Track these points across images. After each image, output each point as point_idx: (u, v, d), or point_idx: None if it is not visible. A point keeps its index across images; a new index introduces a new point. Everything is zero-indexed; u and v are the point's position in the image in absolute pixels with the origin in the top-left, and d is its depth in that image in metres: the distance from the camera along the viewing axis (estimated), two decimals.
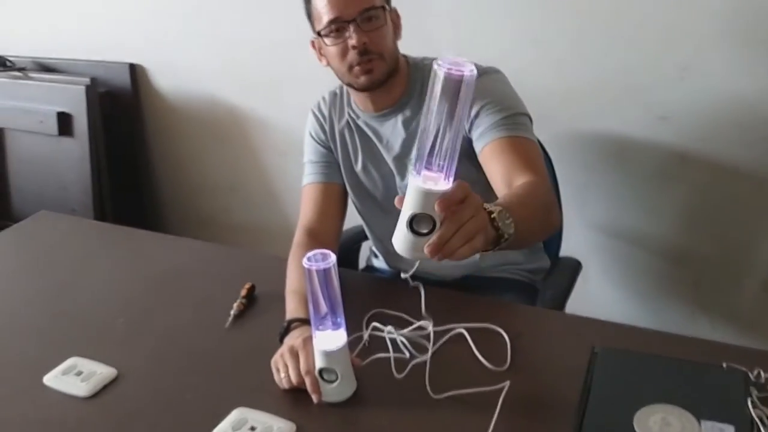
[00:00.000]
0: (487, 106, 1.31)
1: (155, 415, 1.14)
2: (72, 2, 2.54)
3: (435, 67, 0.79)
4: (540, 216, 1.16)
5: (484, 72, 1.34)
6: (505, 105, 1.31)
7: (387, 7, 1.35)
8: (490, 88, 1.33)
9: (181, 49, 2.41)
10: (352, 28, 1.29)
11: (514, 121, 1.30)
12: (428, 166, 0.86)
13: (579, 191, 1.91)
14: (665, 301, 1.96)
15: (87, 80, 2.41)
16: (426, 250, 0.87)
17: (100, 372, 1.23)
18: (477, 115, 1.31)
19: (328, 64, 1.38)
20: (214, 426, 1.07)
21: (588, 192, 1.91)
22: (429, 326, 1.23)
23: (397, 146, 1.43)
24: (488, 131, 1.30)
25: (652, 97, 1.73)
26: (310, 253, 1.04)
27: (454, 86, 0.80)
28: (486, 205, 0.96)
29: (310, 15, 1.37)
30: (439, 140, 0.83)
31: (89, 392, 1.19)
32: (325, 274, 1.04)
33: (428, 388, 1.10)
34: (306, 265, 1.03)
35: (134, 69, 2.52)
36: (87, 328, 1.39)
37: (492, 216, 0.96)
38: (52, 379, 1.23)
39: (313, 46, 1.41)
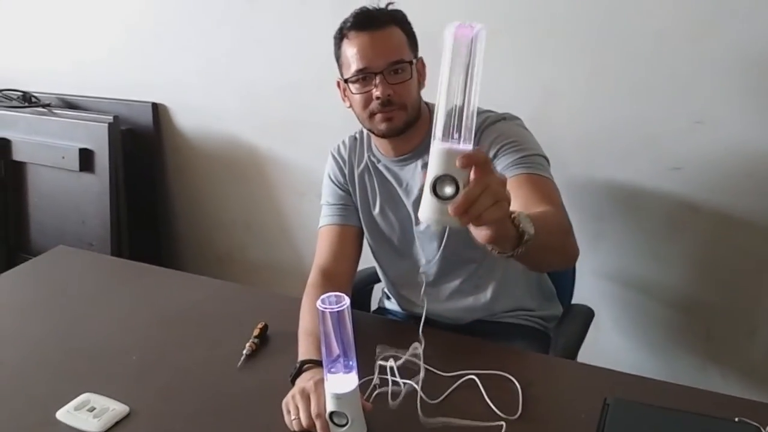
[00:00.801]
0: (506, 146, 1.32)
1: None
2: (97, 42, 2.60)
3: (445, 31, 0.81)
4: (558, 236, 1.13)
5: (503, 117, 1.38)
6: (524, 146, 1.32)
7: (414, 60, 1.37)
8: (509, 132, 1.35)
9: (203, 89, 2.45)
10: (378, 79, 1.32)
11: (533, 161, 1.31)
12: (447, 133, 0.85)
13: (591, 239, 1.91)
14: (676, 352, 1.94)
15: (110, 118, 2.45)
16: (451, 210, 0.82)
17: (113, 408, 1.23)
18: (495, 156, 1.32)
19: (351, 106, 1.41)
20: None
21: (600, 240, 1.91)
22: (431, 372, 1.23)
23: (416, 190, 1.45)
24: (507, 169, 1.31)
25: (664, 147, 1.74)
26: (324, 296, 1.05)
27: (465, 44, 0.82)
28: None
29: (338, 59, 1.40)
30: (456, 105, 0.83)
31: (101, 428, 1.19)
32: (338, 316, 1.04)
33: None
34: (320, 308, 1.04)
35: (156, 108, 2.56)
36: (101, 364, 1.40)
37: (513, 216, 0.93)
38: (64, 414, 1.23)
39: (339, 86, 1.44)
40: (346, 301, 1.05)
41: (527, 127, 1.42)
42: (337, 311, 1.04)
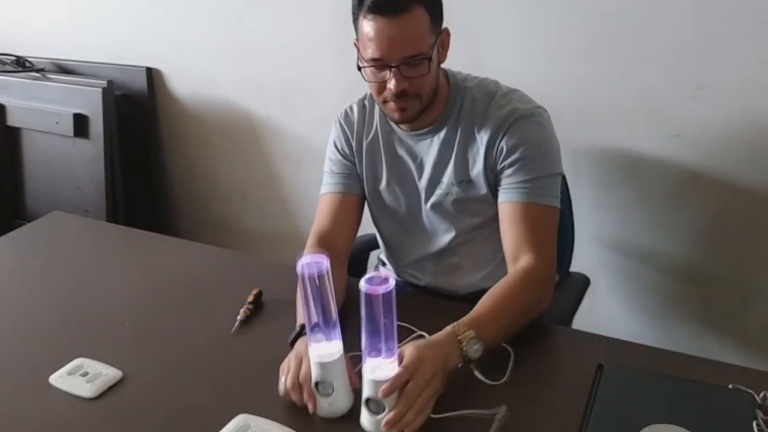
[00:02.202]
0: (522, 161, 1.31)
1: (158, 418, 1.14)
2: (91, 6, 2.57)
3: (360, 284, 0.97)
4: (518, 323, 1.23)
5: (531, 114, 1.34)
6: (538, 164, 1.32)
7: (434, 53, 1.27)
8: (531, 140, 1.32)
9: (198, 54, 2.43)
10: (393, 72, 1.25)
11: (540, 186, 1.32)
12: (373, 355, 1.02)
13: (591, 207, 1.90)
14: (674, 321, 1.95)
15: (104, 83, 2.43)
16: (382, 426, 1.02)
17: (106, 373, 1.24)
18: (511, 164, 1.32)
19: (365, 79, 1.34)
20: (217, 431, 1.07)
21: (600, 208, 1.91)
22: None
23: (429, 167, 1.42)
24: (513, 189, 1.33)
25: (664, 114, 1.73)
26: (304, 258, 1.03)
27: (375, 301, 0.98)
28: (458, 330, 1.12)
29: (355, 24, 1.29)
30: (377, 337, 1.01)
31: (94, 393, 1.20)
32: (319, 280, 1.02)
33: None
34: (298, 271, 1.02)
35: (151, 73, 2.54)
36: (94, 330, 1.40)
37: (461, 346, 1.11)
38: (57, 379, 1.24)
39: (356, 46, 1.34)
40: (326, 263, 1.03)
41: (531, 93, 1.40)
42: (317, 275, 1.02)
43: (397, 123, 1.38)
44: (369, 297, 0.98)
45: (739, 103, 1.64)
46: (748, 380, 1.10)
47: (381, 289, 0.98)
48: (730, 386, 1.10)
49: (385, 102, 1.33)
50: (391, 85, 1.26)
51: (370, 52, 1.25)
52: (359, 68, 1.31)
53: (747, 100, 1.63)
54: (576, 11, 1.73)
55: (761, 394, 1.07)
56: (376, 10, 1.21)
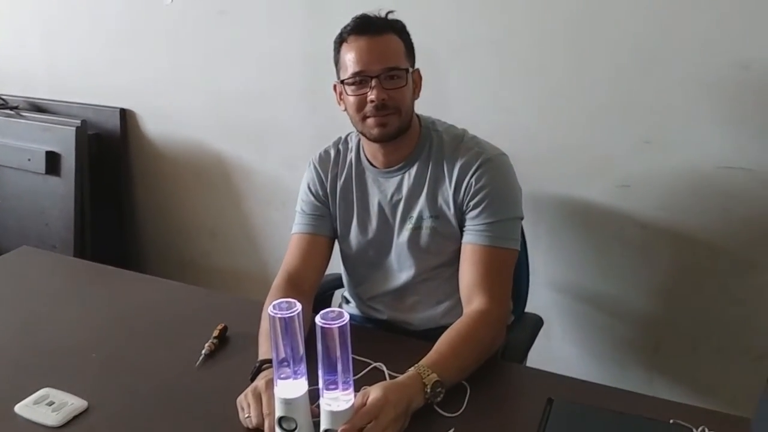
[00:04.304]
0: (487, 205, 1.41)
1: None
2: (68, 47, 2.62)
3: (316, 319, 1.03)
4: (475, 362, 1.30)
5: (493, 158, 1.44)
6: (500, 206, 1.42)
7: (410, 69, 1.42)
8: (496, 184, 1.42)
9: (171, 96, 2.48)
10: (374, 83, 1.36)
11: (502, 228, 1.41)
12: (331, 388, 1.07)
13: (545, 252, 1.98)
14: (625, 363, 2.01)
15: (78, 122, 2.47)
16: None
17: (72, 403, 1.26)
18: (476, 205, 1.41)
19: (345, 109, 1.45)
20: None
21: (554, 253, 1.98)
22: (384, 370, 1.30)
23: (401, 202, 1.49)
24: (476, 231, 1.42)
25: (614, 166, 1.82)
26: (275, 301, 1.08)
27: (330, 334, 1.03)
28: (422, 372, 1.19)
29: (337, 62, 1.44)
30: (333, 370, 1.06)
31: (59, 422, 1.21)
32: (288, 322, 1.06)
33: None
34: (271, 313, 1.06)
35: (124, 113, 2.59)
36: (61, 361, 1.42)
37: (426, 389, 1.18)
38: (23, 408, 1.25)
39: (335, 89, 1.47)
40: (298, 307, 1.07)
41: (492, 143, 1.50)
42: (287, 317, 1.06)
43: (376, 140, 1.44)
44: (324, 331, 1.03)
45: (682, 157, 1.74)
46: (689, 416, 1.16)
47: (335, 324, 1.03)
48: (671, 421, 1.16)
49: (364, 119, 1.41)
50: (373, 95, 1.36)
51: (352, 69, 1.38)
52: (339, 94, 1.46)
53: (690, 153, 1.73)
54: (532, 66, 1.84)
55: (700, 429, 1.13)
56: (358, 31, 1.38)
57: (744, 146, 1.68)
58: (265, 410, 1.15)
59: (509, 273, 1.44)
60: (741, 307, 1.81)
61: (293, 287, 1.45)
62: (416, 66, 1.46)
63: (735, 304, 1.82)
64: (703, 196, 1.75)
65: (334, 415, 1.08)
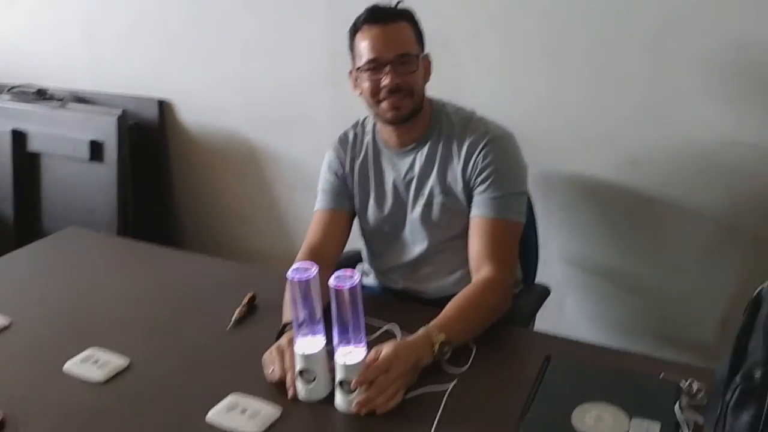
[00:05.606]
0: (493, 180, 1.50)
1: (161, 397, 1.29)
2: (109, 41, 2.76)
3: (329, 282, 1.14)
4: (481, 325, 1.40)
5: (499, 137, 1.53)
6: (505, 182, 1.51)
7: (421, 54, 1.53)
8: (502, 160, 1.51)
9: (206, 88, 2.60)
10: (387, 68, 1.47)
11: (507, 203, 1.51)
12: (344, 343, 1.18)
13: (557, 227, 2.05)
14: (634, 333, 2.07)
15: (119, 112, 2.59)
16: (354, 407, 1.18)
17: (114, 361, 1.38)
18: (482, 181, 1.51)
19: (361, 94, 1.55)
20: (211, 408, 1.22)
21: (565, 228, 2.05)
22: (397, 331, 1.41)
23: (413, 179, 1.59)
24: (483, 204, 1.51)
25: (621, 143, 1.88)
26: (294, 266, 1.19)
27: (341, 295, 1.14)
28: (431, 333, 1.29)
29: (352, 50, 1.54)
30: (346, 327, 1.17)
31: (103, 378, 1.33)
32: (306, 285, 1.17)
33: None
34: (289, 276, 1.18)
35: (162, 104, 2.71)
36: (105, 325, 1.55)
37: (434, 348, 1.28)
38: (71, 365, 1.38)
39: (351, 75, 1.57)
40: (314, 271, 1.18)
41: (500, 122, 1.58)
42: (304, 279, 1.17)
43: (391, 123, 1.54)
44: (337, 292, 1.15)
45: (687, 134, 1.80)
46: (681, 372, 1.23)
47: (347, 284, 1.14)
48: (661, 375, 1.24)
49: (379, 103, 1.51)
50: (387, 80, 1.47)
51: (367, 56, 1.48)
52: (354, 80, 1.55)
53: (696, 129, 1.78)
54: (541, 49, 1.92)
55: (687, 381, 1.20)
56: (371, 20, 1.48)
57: (750, 122, 1.72)
58: (287, 365, 1.26)
59: (514, 244, 1.53)
60: (746, 281, 1.85)
61: (315, 259, 1.53)
62: (427, 51, 1.56)
63: (740, 278, 1.86)
64: (709, 172, 1.80)
65: (347, 368, 1.19)
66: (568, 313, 2.11)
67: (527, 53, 1.95)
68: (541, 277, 1.85)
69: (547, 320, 1.79)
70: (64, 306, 1.66)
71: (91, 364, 1.38)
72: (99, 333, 1.51)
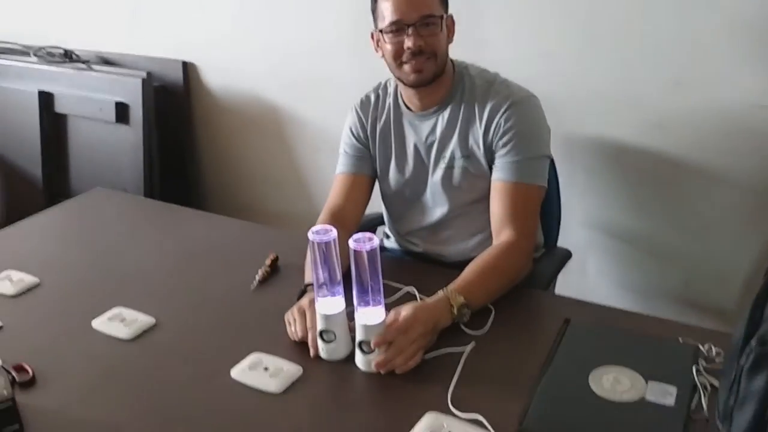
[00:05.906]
0: (515, 143, 1.49)
1: (185, 354, 1.33)
2: (134, 1, 2.76)
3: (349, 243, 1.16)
4: (500, 288, 1.41)
5: (522, 100, 1.52)
6: (527, 145, 1.50)
7: (444, 15, 1.50)
8: (524, 123, 1.50)
9: (230, 50, 2.60)
10: (410, 30, 1.45)
11: (529, 165, 1.50)
12: (363, 304, 1.19)
13: (581, 192, 2.04)
14: (656, 297, 2.07)
15: (144, 74, 2.60)
16: (373, 366, 1.21)
17: (141, 320, 1.42)
18: (504, 144, 1.50)
19: (383, 56, 1.54)
20: (234, 365, 1.25)
21: (589, 192, 2.04)
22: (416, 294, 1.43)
23: (434, 143, 1.59)
24: (505, 168, 1.50)
25: (647, 106, 1.86)
26: (315, 228, 1.21)
27: (360, 257, 1.15)
28: (450, 295, 1.31)
29: (374, 12, 1.52)
30: (365, 288, 1.18)
31: (130, 335, 1.38)
32: (325, 247, 1.19)
33: None
34: (310, 237, 1.20)
35: (186, 66, 2.72)
36: (132, 284, 1.59)
37: (453, 310, 1.30)
38: (99, 323, 1.42)
39: (373, 38, 1.55)
40: (334, 232, 1.20)
41: (525, 85, 1.57)
42: (325, 241, 1.19)
43: (413, 86, 1.53)
44: (356, 253, 1.16)
45: (713, 97, 1.77)
46: (700, 337, 1.23)
47: (366, 246, 1.15)
48: (680, 339, 1.25)
49: (401, 65, 1.49)
50: (410, 42, 1.45)
51: (389, 18, 1.46)
52: (376, 42, 1.53)
53: (722, 92, 1.75)
54: (568, 11, 1.89)
55: (706, 346, 1.22)
56: None
57: None
58: (308, 324, 1.29)
59: (536, 208, 1.53)
60: None
61: (336, 222, 1.54)
62: (450, 12, 1.53)
63: (765, 242, 1.85)
64: (736, 136, 1.78)
65: (367, 328, 1.21)
66: (590, 277, 2.11)
67: (553, 14, 1.92)
68: (563, 240, 1.85)
69: (570, 284, 1.80)
70: (90, 266, 1.70)
71: (119, 322, 1.42)
72: (125, 292, 1.55)
